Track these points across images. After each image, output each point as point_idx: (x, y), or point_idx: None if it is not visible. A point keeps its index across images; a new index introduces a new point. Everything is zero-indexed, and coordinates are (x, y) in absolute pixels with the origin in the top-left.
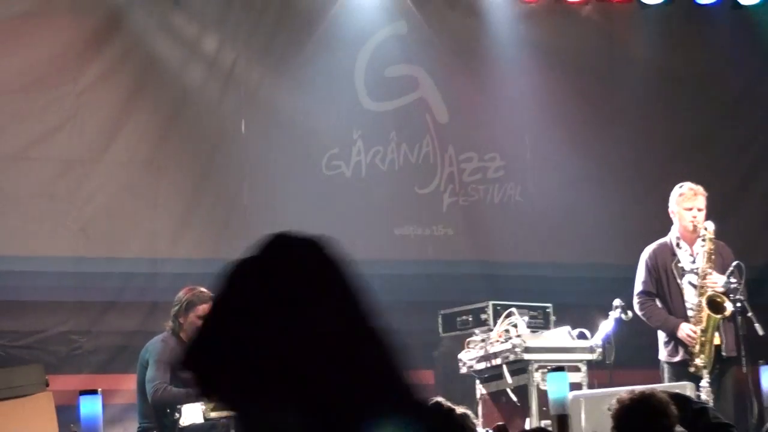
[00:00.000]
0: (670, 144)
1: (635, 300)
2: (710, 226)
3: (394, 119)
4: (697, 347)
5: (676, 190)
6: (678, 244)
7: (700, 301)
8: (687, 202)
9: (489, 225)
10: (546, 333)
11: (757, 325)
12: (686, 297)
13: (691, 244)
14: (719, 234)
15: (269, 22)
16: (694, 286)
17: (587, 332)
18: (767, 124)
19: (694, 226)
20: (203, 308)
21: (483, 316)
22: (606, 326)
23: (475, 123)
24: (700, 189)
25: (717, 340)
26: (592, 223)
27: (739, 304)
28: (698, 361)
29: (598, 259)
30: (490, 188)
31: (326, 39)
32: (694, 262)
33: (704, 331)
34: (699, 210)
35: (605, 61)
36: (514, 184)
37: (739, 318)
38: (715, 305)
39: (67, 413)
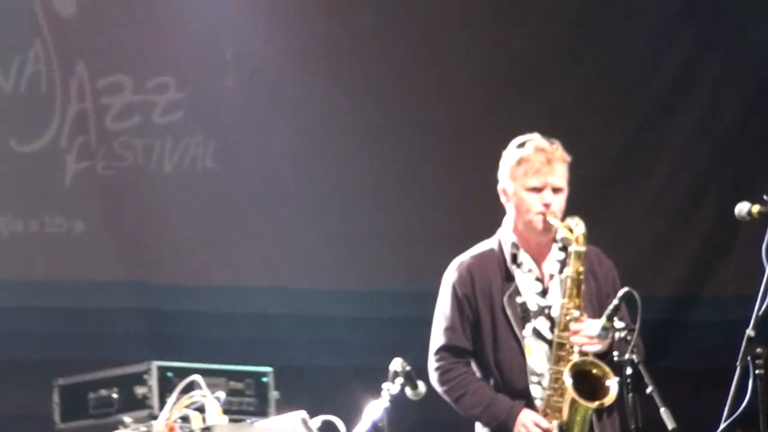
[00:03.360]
0: (505, 78)
1: (432, 362)
2: (579, 226)
3: None
4: None
5: (513, 152)
6: (515, 258)
7: (557, 371)
8: (534, 176)
9: (154, 215)
10: (260, 423)
11: (663, 411)
12: (531, 360)
13: (540, 255)
14: (593, 238)
15: None
16: (548, 341)
17: (340, 423)
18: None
19: (547, 223)
20: None
21: (140, 391)
22: (376, 409)
23: (127, 18)
24: (557, 150)
25: None
26: (353, 220)
27: (630, 370)
28: None
29: (365, 284)
30: (157, 144)
31: None
32: (546, 292)
33: (564, 429)
34: (556, 190)
35: None
36: (204, 138)
37: (630, 396)
38: (587, 383)
39: None
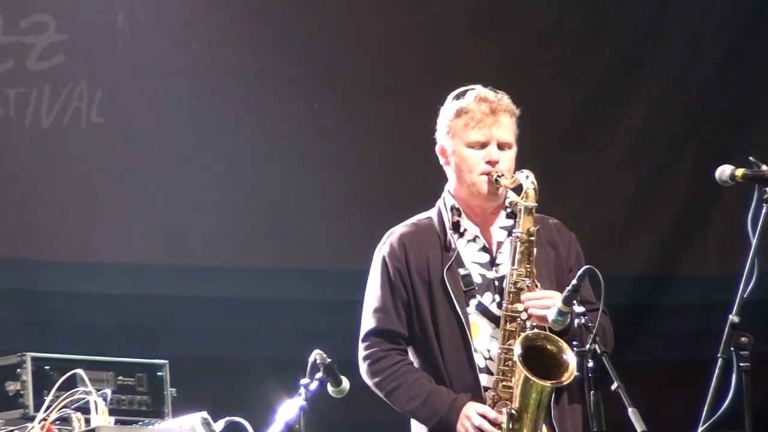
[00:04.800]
0: (446, 26)
1: (361, 349)
2: (529, 178)
3: None
4: None
5: (451, 105)
6: (457, 226)
7: (506, 350)
8: (476, 129)
9: (29, 178)
10: (154, 427)
11: (631, 412)
12: (477, 341)
13: (485, 222)
14: (550, 210)
15: None
16: (495, 320)
17: (247, 425)
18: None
19: (492, 181)
20: None
21: (11, 387)
22: (291, 409)
23: None
24: (502, 100)
25: None
26: (264, 185)
27: (592, 363)
28: None
29: (278, 261)
30: (33, 94)
31: None
32: (494, 263)
33: (516, 417)
34: (502, 146)
35: None
36: (89, 87)
37: (592, 394)
38: (541, 361)
39: None
